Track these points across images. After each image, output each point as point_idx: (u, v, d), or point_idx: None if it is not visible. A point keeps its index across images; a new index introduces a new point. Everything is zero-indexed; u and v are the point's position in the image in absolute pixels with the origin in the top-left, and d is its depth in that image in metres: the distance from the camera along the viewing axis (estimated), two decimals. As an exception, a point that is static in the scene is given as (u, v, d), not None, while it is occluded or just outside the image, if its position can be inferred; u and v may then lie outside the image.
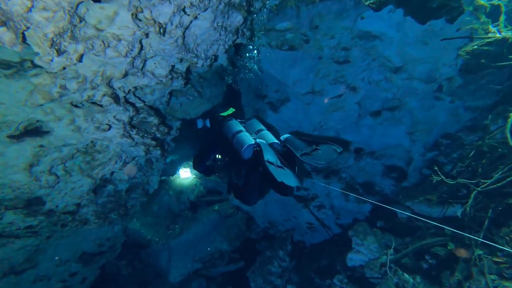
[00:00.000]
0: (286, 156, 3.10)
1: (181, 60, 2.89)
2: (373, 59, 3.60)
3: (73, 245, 4.23)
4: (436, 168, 3.33)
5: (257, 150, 3.13)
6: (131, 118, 2.95)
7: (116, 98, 2.68)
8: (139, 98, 3.14)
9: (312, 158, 3.00)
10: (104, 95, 2.58)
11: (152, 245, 5.60)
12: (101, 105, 2.67)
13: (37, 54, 1.88)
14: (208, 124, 4.71)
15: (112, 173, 3.38)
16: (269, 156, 2.94)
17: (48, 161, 2.74)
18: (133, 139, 2.91)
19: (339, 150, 2.92)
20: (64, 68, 2.11)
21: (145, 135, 3.02)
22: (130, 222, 5.45)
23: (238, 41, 3.27)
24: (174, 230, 5.76)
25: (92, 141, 2.90)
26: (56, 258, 4.14)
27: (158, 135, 3.24)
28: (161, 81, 2.83)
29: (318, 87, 4.12)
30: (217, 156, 3.78)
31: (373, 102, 3.85)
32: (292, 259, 4.09)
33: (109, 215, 3.63)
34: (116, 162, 3.11)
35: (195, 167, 3.85)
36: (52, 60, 1.93)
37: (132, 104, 2.96)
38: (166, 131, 3.30)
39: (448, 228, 2.02)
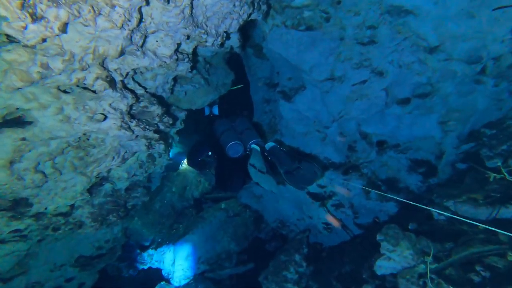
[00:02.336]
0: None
1: (188, 37, 2.45)
2: (405, 38, 3.16)
3: (68, 248, 3.85)
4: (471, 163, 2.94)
5: (247, 154, 3.41)
6: (130, 107, 2.52)
7: (111, 83, 2.25)
8: (139, 84, 2.71)
9: (294, 179, 3.15)
10: (97, 78, 2.15)
11: (155, 246, 5.23)
12: (94, 91, 2.24)
13: (5, 19, 1.45)
14: (215, 111, 4.37)
15: (109, 170, 2.97)
16: (256, 160, 3.21)
17: (32, 157, 2.33)
18: (132, 131, 2.48)
19: (319, 173, 3.13)
20: (44, 40, 1.68)
21: (147, 126, 2.60)
22: (131, 222, 5.07)
23: (253, 16, 2.83)
24: (178, 229, 5.38)
25: (85, 134, 2.48)
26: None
27: (162, 127, 2.81)
28: (165, 62, 2.40)
29: (339, 72, 3.67)
30: (208, 152, 3.97)
31: (403, 88, 3.41)
32: (310, 264, 3.72)
33: (107, 217, 3.23)
34: (113, 158, 2.70)
35: (189, 162, 4.00)
36: (25, 28, 1.50)
37: (131, 91, 2.53)
38: (170, 122, 2.88)
39: (505, 233, 1.62)
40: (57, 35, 1.70)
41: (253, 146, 3.53)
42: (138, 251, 5.22)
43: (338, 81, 3.72)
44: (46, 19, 1.54)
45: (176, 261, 5.03)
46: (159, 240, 5.21)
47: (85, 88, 2.27)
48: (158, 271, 5.25)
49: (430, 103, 3.40)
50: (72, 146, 2.60)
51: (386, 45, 3.28)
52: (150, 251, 5.16)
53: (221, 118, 4.00)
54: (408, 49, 3.16)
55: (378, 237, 3.07)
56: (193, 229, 5.14)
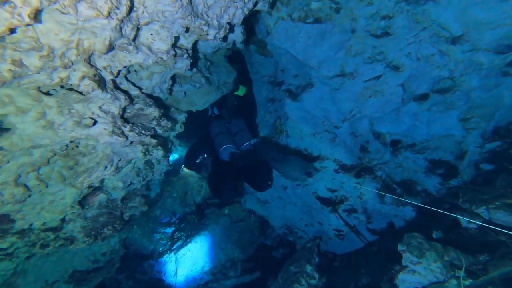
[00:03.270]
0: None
1: (187, 29, 2.16)
2: (423, 28, 2.87)
3: (61, 264, 3.55)
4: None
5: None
6: (123, 110, 2.23)
7: (101, 82, 1.96)
8: (133, 84, 2.41)
9: (282, 167, 3.40)
10: (83, 77, 1.86)
11: (155, 256, 4.94)
12: (80, 92, 1.96)
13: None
14: (216, 111, 4.18)
15: (102, 180, 2.68)
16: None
17: (12, 169, 2.03)
18: (126, 137, 2.19)
19: (308, 171, 3.44)
20: (13, 31, 1.39)
21: (143, 131, 2.31)
22: (130, 231, 4.77)
23: (259, 6, 2.54)
24: (180, 237, 5.09)
25: (72, 141, 2.18)
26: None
27: (159, 131, 2.52)
28: (161, 58, 2.11)
29: (350, 68, 3.38)
30: (204, 155, 4.06)
31: (421, 83, 3.12)
32: (322, 275, 3.44)
33: (101, 231, 2.94)
34: (106, 167, 2.40)
35: (186, 165, 3.98)
36: (-15, 14, 1.22)
37: (124, 92, 2.24)
38: (169, 125, 2.58)
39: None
40: (29, 25, 1.41)
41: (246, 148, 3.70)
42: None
43: (349, 77, 3.43)
44: (12, 4, 1.25)
45: (178, 272, 4.74)
46: (160, 249, 4.92)
47: (70, 89, 1.98)
48: (159, 282, 4.96)
49: (451, 99, 3.11)
50: (59, 154, 2.31)
51: (402, 37, 3.00)
52: (150, 261, 4.87)
53: (217, 120, 4.07)
54: (427, 40, 2.87)
55: (400, 247, 2.78)
56: (196, 237, 4.85)
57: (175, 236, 5.08)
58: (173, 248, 4.88)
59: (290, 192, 4.47)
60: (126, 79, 2.32)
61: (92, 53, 1.81)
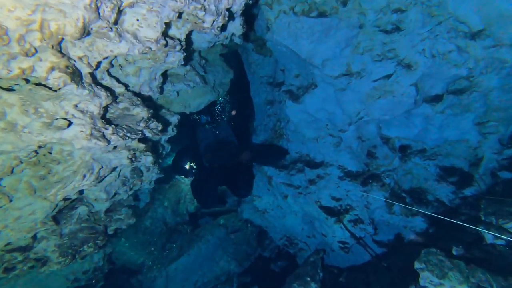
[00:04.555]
0: None
1: (180, 15, 1.84)
2: (439, 23, 2.61)
3: (35, 285, 3.12)
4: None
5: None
6: (105, 109, 1.88)
7: (75, 76, 1.61)
8: (118, 80, 2.07)
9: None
10: (52, 68, 1.51)
11: (144, 270, 4.52)
12: (50, 88, 1.60)
13: None
14: (208, 118, 4.00)
15: (82, 191, 2.31)
16: None
17: (-36, 180, 1.66)
18: (108, 141, 1.83)
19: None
20: None
21: (128, 134, 1.95)
22: (117, 244, 4.36)
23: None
24: (171, 250, 4.69)
25: (41, 146, 1.82)
26: None
27: (148, 134, 2.17)
28: (149, 49, 1.77)
29: (357, 66, 3.10)
30: (189, 161, 4.14)
31: (436, 83, 2.85)
32: (329, 293, 3.11)
33: (81, 249, 2.55)
34: (84, 176, 2.03)
35: (173, 170, 4.11)
36: None
37: (106, 88, 1.89)
38: (159, 128, 2.23)
39: None
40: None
41: None
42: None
43: (356, 77, 3.15)
44: None
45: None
46: (150, 263, 4.51)
47: (38, 84, 1.63)
48: (149, 299, 4.53)
49: (467, 101, 2.85)
50: (26, 162, 1.93)
51: (416, 32, 2.73)
52: (139, 276, 4.45)
53: (204, 125, 4.13)
54: (444, 35, 2.61)
55: (417, 265, 2.47)
56: (188, 250, 4.46)
57: (166, 248, 4.67)
58: (164, 261, 4.47)
59: (291, 201, 4.14)
60: (109, 74, 1.97)
61: (63, 39, 1.46)
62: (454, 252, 2.57)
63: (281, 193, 4.24)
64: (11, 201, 1.93)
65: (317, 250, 3.79)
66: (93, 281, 3.54)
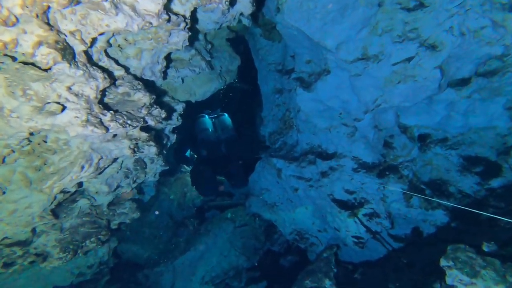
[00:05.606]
0: None
1: (184, -15, 1.64)
2: (470, -4, 2.36)
3: (38, 279, 3.00)
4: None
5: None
6: (102, 93, 1.70)
7: (67, 53, 1.43)
8: (117, 62, 1.88)
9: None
10: (39, 43, 1.32)
11: (151, 265, 4.40)
12: (38, 67, 1.42)
13: None
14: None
15: (81, 183, 2.14)
16: None
17: (-51, 171, 1.50)
18: (106, 128, 1.65)
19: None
20: None
21: (128, 121, 1.77)
22: (121, 238, 4.22)
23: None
24: (178, 244, 4.55)
25: (33, 133, 1.64)
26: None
27: (151, 122, 1.98)
28: (150, 24, 1.57)
29: (375, 49, 2.85)
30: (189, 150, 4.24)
31: (464, 64, 2.59)
32: (343, 290, 2.93)
33: (82, 244, 2.40)
34: (82, 167, 1.86)
35: (174, 158, 4.11)
36: None
37: (104, 69, 1.70)
38: (163, 115, 2.04)
39: None
40: None
41: None
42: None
43: (373, 60, 2.90)
44: None
45: (176, 283, 4.20)
46: (156, 257, 4.38)
47: (26, 63, 1.44)
48: (156, 293, 4.42)
49: (499, 83, 2.60)
50: (20, 151, 1.76)
51: (442, 8, 2.47)
52: (145, 271, 4.33)
53: (203, 115, 4.14)
54: (476, 9, 2.34)
55: (444, 262, 2.25)
56: (195, 245, 4.32)
57: (172, 243, 4.54)
58: (171, 256, 4.34)
59: (301, 194, 3.94)
60: (107, 55, 1.78)
61: (49, 7, 1.26)
62: (485, 249, 2.34)
63: (291, 186, 4.04)
64: (4, 193, 1.76)
65: (330, 245, 3.60)
66: (99, 276, 3.42)
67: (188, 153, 4.70)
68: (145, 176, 2.68)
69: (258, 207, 4.43)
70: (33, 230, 2.21)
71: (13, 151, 1.72)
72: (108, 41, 1.71)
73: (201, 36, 2.63)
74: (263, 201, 4.34)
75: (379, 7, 2.69)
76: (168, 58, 2.27)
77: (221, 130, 4.14)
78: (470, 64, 2.56)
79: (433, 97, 2.85)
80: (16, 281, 2.68)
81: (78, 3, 1.30)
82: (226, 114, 4.35)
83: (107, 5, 1.39)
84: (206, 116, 4.23)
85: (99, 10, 1.42)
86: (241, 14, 2.33)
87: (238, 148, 4.07)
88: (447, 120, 3.01)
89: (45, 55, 1.33)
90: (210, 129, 4.06)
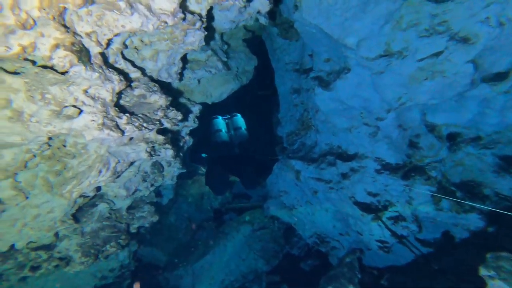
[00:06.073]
0: None
1: (199, -18, 1.57)
2: (509, -17, 2.15)
3: (64, 281, 3.02)
4: None
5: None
6: (118, 96, 1.66)
7: (83, 55, 1.39)
8: (133, 64, 1.84)
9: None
10: (56, 45, 1.29)
11: (170, 268, 4.37)
12: (55, 70, 1.39)
13: None
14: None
15: (99, 188, 2.12)
16: None
17: (-28, 176, 1.50)
18: (122, 131, 1.61)
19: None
20: None
21: (144, 124, 1.72)
22: (141, 241, 4.23)
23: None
24: (197, 247, 4.51)
25: (51, 138, 1.62)
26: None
27: (167, 124, 1.93)
28: (165, 23, 1.51)
29: (399, 45, 2.68)
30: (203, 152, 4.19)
31: (501, 57, 2.38)
32: (368, 298, 2.76)
33: (103, 248, 2.38)
34: (100, 171, 1.83)
35: (190, 159, 4.05)
36: None
37: (119, 71, 1.66)
38: (179, 117, 1.99)
39: None
40: None
41: None
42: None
43: (397, 57, 2.73)
44: None
45: (196, 286, 4.15)
46: (176, 260, 4.36)
47: (45, 66, 1.41)
48: (175, 296, 4.39)
49: (539, 77, 2.36)
50: (41, 156, 1.75)
51: (475, -3, 2.27)
52: (165, 274, 4.32)
53: (217, 117, 4.16)
54: (515, -3, 2.14)
55: (484, 271, 2.05)
56: (214, 248, 4.26)
57: (191, 246, 4.50)
58: (190, 259, 4.30)
59: (321, 196, 3.79)
60: (123, 57, 1.74)
61: (65, 9, 1.23)
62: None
63: (310, 189, 3.90)
64: (27, 197, 1.76)
65: (353, 249, 3.42)
66: (120, 279, 3.42)
67: (204, 154, 4.71)
68: (162, 179, 2.65)
69: (276, 209, 4.32)
70: (56, 234, 2.21)
71: (35, 156, 1.70)
72: (124, 43, 1.67)
73: (217, 36, 2.56)
74: (281, 203, 4.22)
75: (403, 1, 2.52)
76: (184, 59, 2.22)
77: (233, 131, 4.14)
78: (508, 56, 2.34)
79: (465, 93, 2.64)
80: (44, 284, 2.71)
81: (93, 3, 1.26)
82: (239, 115, 4.35)
83: (122, 4, 1.34)
84: (220, 117, 4.24)
85: (115, 10, 1.37)
86: (258, 12, 2.24)
87: (250, 149, 4.04)
88: (480, 118, 2.77)
89: (62, 58, 1.30)
90: (223, 130, 4.09)
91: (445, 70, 2.54)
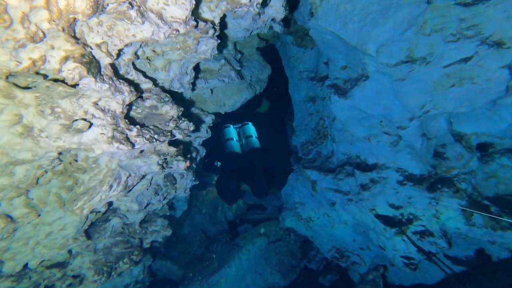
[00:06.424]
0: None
1: (213, -12, 1.49)
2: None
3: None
4: None
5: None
6: (129, 107, 1.59)
7: (92, 67, 1.33)
8: (144, 75, 1.77)
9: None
10: (66, 58, 1.23)
11: (186, 282, 4.25)
12: (65, 82, 1.33)
13: None
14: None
15: (111, 203, 2.04)
16: None
17: (-17, 194, 1.45)
18: (132, 144, 1.53)
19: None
20: None
21: (155, 136, 1.63)
22: (156, 255, 4.14)
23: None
24: (211, 261, 4.36)
25: (61, 153, 1.56)
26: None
27: (179, 135, 1.83)
28: (177, 31, 1.43)
29: (422, 50, 2.51)
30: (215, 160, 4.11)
31: (539, 60, 2.18)
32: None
33: (116, 265, 2.29)
34: (111, 186, 1.75)
35: (203, 167, 4.00)
36: None
37: (130, 82, 1.59)
38: (191, 128, 1.89)
39: None
40: None
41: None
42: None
43: (420, 63, 2.56)
44: None
45: (210, 302, 4.00)
46: (190, 274, 4.23)
47: (55, 80, 1.36)
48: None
49: None
50: (53, 172, 1.69)
51: (509, -2, 2.10)
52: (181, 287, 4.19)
53: (228, 126, 4.09)
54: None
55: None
56: (229, 261, 4.10)
57: (205, 259, 4.37)
58: (205, 273, 4.16)
59: (339, 208, 3.59)
60: (135, 67, 1.67)
61: (74, 17, 1.16)
62: None
63: (327, 200, 3.71)
64: (39, 215, 1.69)
65: (376, 266, 3.19)
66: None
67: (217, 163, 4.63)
68: (175, 192, 2.55)
69: (292, 221, 4.13)
70: (70, 252, 2.15)
71: (46, 172, 1.65)
72: (135, 53, 1.61)
73: (230, 45, 2.49)
74: (297, 215, 4.04)
75: (428, 4, 2.37)
76: (197, 68, 2.14)
77: (244, 139, 4.08)
78: (546, 58, 2.13)
79: (498, 101, 2.43)
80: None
81: (103, 12, 1.20)
82: (250, 123, 4.27)
83: (133, 13, 1.28)
84: (231, 126, 4.18)
85: (125, 20, 1.30)
86: (273, 19, 2.15)
87: (261, 157, 3.96)
88: (514, 126, 2.55)
89: (71, 70, 1.24)
90: (234, 139, 4.01)
91: (476, 76, 2.35)
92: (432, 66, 2.50)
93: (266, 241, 4.40)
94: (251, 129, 4.12)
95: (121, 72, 1.56)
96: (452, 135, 2.80)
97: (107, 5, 1.18)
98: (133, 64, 1.64)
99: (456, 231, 2.89)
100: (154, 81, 1.76)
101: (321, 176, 3.70)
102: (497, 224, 2.69)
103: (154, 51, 1.72)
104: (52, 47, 1.20)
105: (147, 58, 1.75)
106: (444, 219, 2.92)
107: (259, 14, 1.87)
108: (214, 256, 4.33)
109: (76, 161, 1.73)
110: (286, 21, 3.05)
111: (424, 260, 2.99)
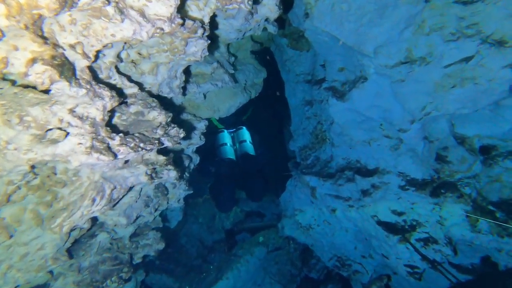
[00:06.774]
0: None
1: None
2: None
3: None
4: None
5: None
6: (111, 113, 1.43)
7: (65, 69, 1.18)
8: (129, 79, 1.62)
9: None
10: (33, 60, 1.08)
11: (181, 295, 4.04)
12: (34, 87, 1.18)
13: None
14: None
15: (95, 218, 1.87)
16: None
17: None
18: (114, 154, 1.37)
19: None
20: None
21: (141, 145, 1.48)
22: (150, 267, 3.93)
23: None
24: (209, 272, 4.16)
25: (34, 166, 1.39)
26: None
27: (168, 143, 1.67)
28: (161, 30, 1.29)
29: (421, 50, 2.40)
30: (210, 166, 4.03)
31: (543, 59, 2.07)
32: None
33: (103, 285, 2.10)
34: (94, 200, 1.58)
35: (199, 173, 3.88)
36: None
37: (113, 87, 1.44)
38: (181, 135, 1.73)
39: None
40: None
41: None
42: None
43: (420, 64, 2.45)
44: None
45: (208, 315, 3.79)
46: (187, 287, 4.02)
47: (26, 86, 1.20)
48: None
49: None
50: (28, 187, 1.52)
51: (509, -6, 1.99)
52: (176, 301, 3.98)
53: (222, 131, 4.02)
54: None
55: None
56: (227, 273, 3.91)
57: (203, 270, 4.17)
58: (202, 285, 3.96)
59: (340, 215, 3.44)
60: (118, 71, 1.52)
61: (41, 17, 1.01)
62: None
63: (327, 207, 3.55)
64: (11, 236, 1.52)
65: (380, 275, 3.03)
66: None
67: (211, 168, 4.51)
68: (167, 202, 2.38)
69: (292, 229, 3.96)
70: (51, 273, 1.96)
71: (19, 188, 1.47)
72: (118, 56, 1.46)
73: (223, 48, 2.35)
74: (297, 222, 3.87)
75: (426, 3, 2.26)
76: (187, 72, 1.99)
77: (238, 144, 3.98)
78: (551, 56, 2.02)
79: (501, 102, 2.31)
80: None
81: (73, 7, 1.05)
82: (244, 128, 4.16)
83: (110, 10, 1.13)
84: (225, 131, 4.07)
85: (103, 18, 1.16)
86: (267, 19, 2.02)
87: (255, 162, 3.89)
88: (518, 128, 2.43)
89: (40, 74, 1.08)
90: (228, 144, 3.91)
91: (477, 77, 2.23)
92: (432, 67, 2.39)
93: (265, 251, 4.22)
94: (245, 134, 4.00)
95: (102, 76, 1.41)
96: (454, 137, 2.67)
97: (78, 0, 1.04)
98: (116, 67, 1.49)
99: (461, 238, 2.75)
100: (140, 85, 1.61)
101: (321, 182, 3.54)
102: (503, 230, 2.55)
103: (139, 53, 1.57)
104: (16, 48, 1.04)
105: (132, 61, 1.60)
106: (449, 225, 2.78)
107: (251, 13, 1.73)
108: (212, 267, 4.13)
109: (55, 174, 1.57)
110: (281, 23, 2.93)
111: (429, 268, 2.84)
